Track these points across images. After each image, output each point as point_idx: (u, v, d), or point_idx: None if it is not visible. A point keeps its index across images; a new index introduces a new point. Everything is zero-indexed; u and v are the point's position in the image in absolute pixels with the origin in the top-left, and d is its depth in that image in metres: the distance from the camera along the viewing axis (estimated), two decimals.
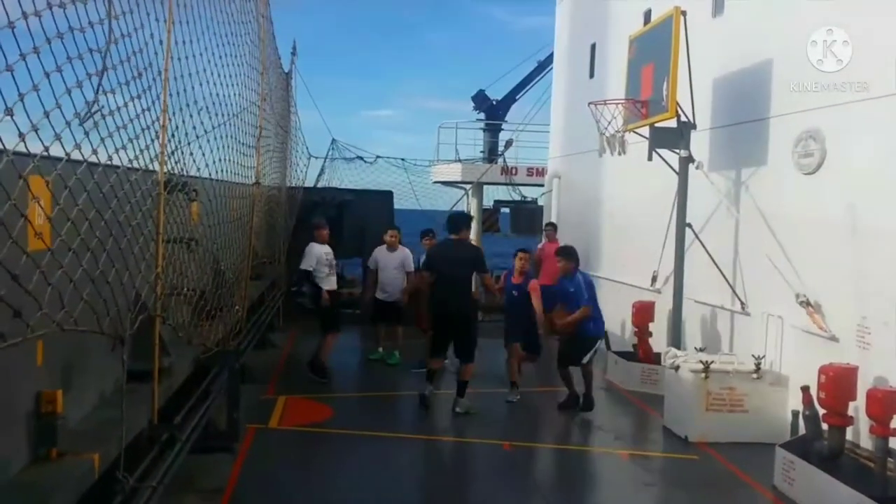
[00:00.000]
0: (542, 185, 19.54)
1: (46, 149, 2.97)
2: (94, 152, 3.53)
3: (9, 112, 2.64)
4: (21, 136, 2.75)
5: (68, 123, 3.16)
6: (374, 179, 21.34)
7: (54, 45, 2.99)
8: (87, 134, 3.41)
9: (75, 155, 3.35)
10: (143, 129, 4.38)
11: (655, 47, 10.27)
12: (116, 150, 3.87)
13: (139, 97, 4.30)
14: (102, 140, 3.64)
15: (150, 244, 4.93)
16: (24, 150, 2.86)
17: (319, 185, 20.03)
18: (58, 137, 3.05)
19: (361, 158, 21.39)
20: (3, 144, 2.71)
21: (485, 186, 21.79)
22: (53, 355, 4.09)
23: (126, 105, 4.01)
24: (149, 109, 4.55)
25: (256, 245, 10.03)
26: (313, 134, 56.50)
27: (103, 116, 3.60)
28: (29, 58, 2.77)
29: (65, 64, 3.09)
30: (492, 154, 22.54)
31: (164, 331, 5.50)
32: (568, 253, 10.07)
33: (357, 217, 17.49)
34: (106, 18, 3.58)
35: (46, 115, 2.92)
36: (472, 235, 21.43)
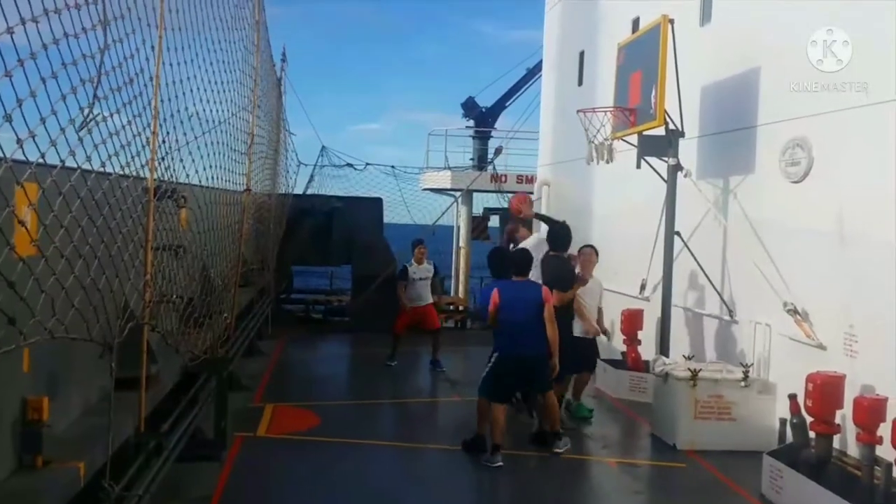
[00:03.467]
0: (531, 193, 19.57)
1: (42, 155, 2.96)
2: (88, 159, 3.52)
3: (8, 118, 2.63)
4: (19, 142, 2.74)
5: (63, 130, 3.14)
6: (364, 188, 21.38)
7: (49, 52, 2.98)
8: (81, 141, 3.40)
9: (69, 162, 3.34)
10: (134, 136, 4.36)
11: (644, 55, 10.32)
12: (109, 157, 3.86)
13: (130, 103, 4.28)
14: (96, 147, 3.63)
15: (139, 251, 4.92)
16: (17, 157, 2.86)
17: (309, 192, 20.02)
18: (53, 144, 3.04)
19: (351, 166, 21.42)
20: (2, 151, 2.70)
21: (474, 194, 21.83)
22: (40, 362, 4.06)
23: (118, 111, 4.00)
24: (140, 115, 4.53)
25: (245, 252, 10.00)
26: (303, 144, 56.67)
27: (97, 123, 3.59)
28: (24, 64, 2.76)
29: (59, 70, 3.08)
30: (481, 161, 22.58)
31: (151, 338, 5.47)
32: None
33: (346, 224, 17.49)
34: (99, 24, 3.58)
35: (42, 121, 2.91)
36: (462, 244, 21.58)
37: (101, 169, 3.84)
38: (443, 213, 20.16)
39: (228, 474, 7.47)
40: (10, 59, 2.67)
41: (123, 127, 4.13)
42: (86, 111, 3.43)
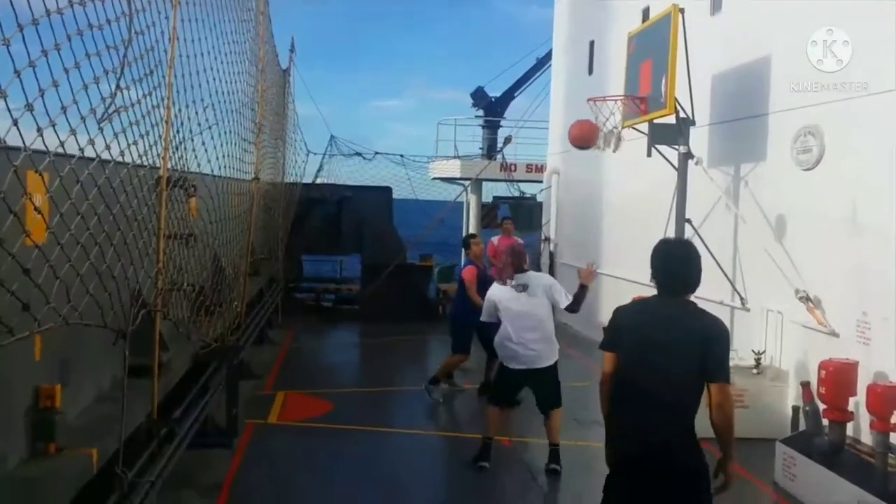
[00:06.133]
0: (541, 182, 19.54)
1: (62, 143, 2.97)
2: (108, 147, 3.53)
3: (29, 108, 2.64)
4: (39, 130, 2.75)
5: (83, 119, 3.15)
6: (373, 175, 21.32)
7: (73, 42, 2.99)
8: (101, 130, 3.40)
9: (87, 151, 3.35)
10: (152, 126, 4.38)
11: (654, 44, 10.25)
12: (128, 146, 3.87)
13: (150, 94, 4.30)
14: (116, 136, 3.64)
15: (151, 239, 4.92)
16: (31, 144, 2.86)
17: (318, 181, 20.00)
18: (73, 132, 3.04)
19: (360, 154, 21.34)
20: (22, 140, 2.70)
21: (484, 183, 21.77)
22: (52, 350, 4.07)
23: (139, 101, 4.02)
24: (157, 106, 4.55)
25: (254, 241, 10.02)
26: (313, 130, 56.56)
27: (118, 114, 3.59)
28: (45, 54, 2.77)
29: (83, 60, 3.09)
30: (491, 150, 22.51)
31: (162, 326, 5.49)
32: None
33: (356, 213, 17.49)
34: (123, 16, 3.58)
35: (64, 110, 2.91)
36: (472, 230, 21.55)
37: (120, 158, 3.86)
38: (451, 203, 20.11)
39: (240, 461, 7.51)
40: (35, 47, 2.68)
41: (143, 117, 4.14)
42: (107, 101, 3.43)
